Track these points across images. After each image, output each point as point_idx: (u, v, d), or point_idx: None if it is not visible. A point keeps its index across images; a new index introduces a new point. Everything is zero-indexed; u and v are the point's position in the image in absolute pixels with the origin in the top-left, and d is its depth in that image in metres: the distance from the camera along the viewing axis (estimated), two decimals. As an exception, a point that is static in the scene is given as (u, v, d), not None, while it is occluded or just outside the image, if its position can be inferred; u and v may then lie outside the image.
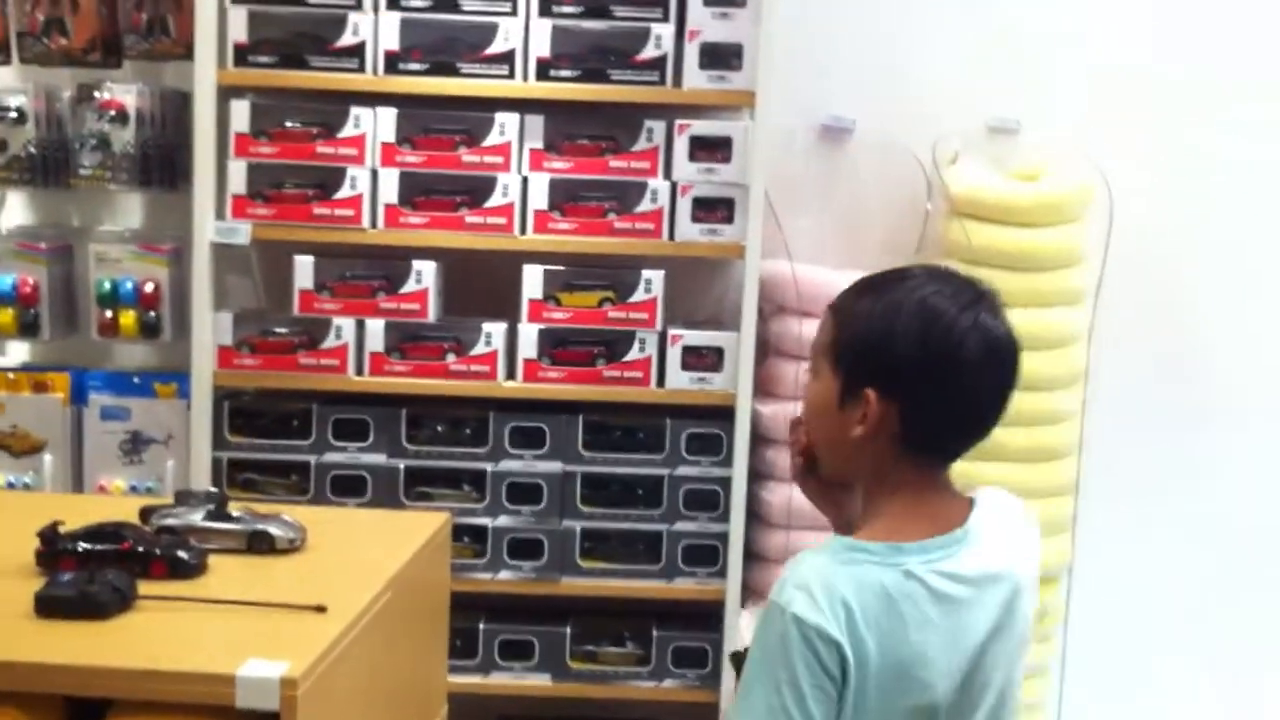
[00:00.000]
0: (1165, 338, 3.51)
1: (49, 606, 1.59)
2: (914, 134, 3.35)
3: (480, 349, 3.09)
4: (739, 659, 1.62)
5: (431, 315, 3.10)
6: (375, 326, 3.08)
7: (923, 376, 1.54)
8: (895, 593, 1.50)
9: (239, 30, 3.01)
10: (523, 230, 3.06)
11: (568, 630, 3.19)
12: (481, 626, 3.17)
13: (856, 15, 3.38)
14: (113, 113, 3.10)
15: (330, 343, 3.08)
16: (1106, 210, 3.36)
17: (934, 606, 1.52)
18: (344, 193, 3.04)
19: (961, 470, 3.26)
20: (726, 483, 3.10)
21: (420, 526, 2.13)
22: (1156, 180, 3.43)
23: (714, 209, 3.06)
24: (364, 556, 1.95)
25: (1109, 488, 3.46)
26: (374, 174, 3.05)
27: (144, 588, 1.66)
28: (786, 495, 3.17)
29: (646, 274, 3.08)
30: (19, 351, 3.39)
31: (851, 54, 3.38)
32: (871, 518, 1.60)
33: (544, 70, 3.01)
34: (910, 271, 1.61)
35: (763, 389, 3.22)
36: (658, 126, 3.06)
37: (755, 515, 3.21)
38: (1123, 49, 3.40)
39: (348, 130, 3.04)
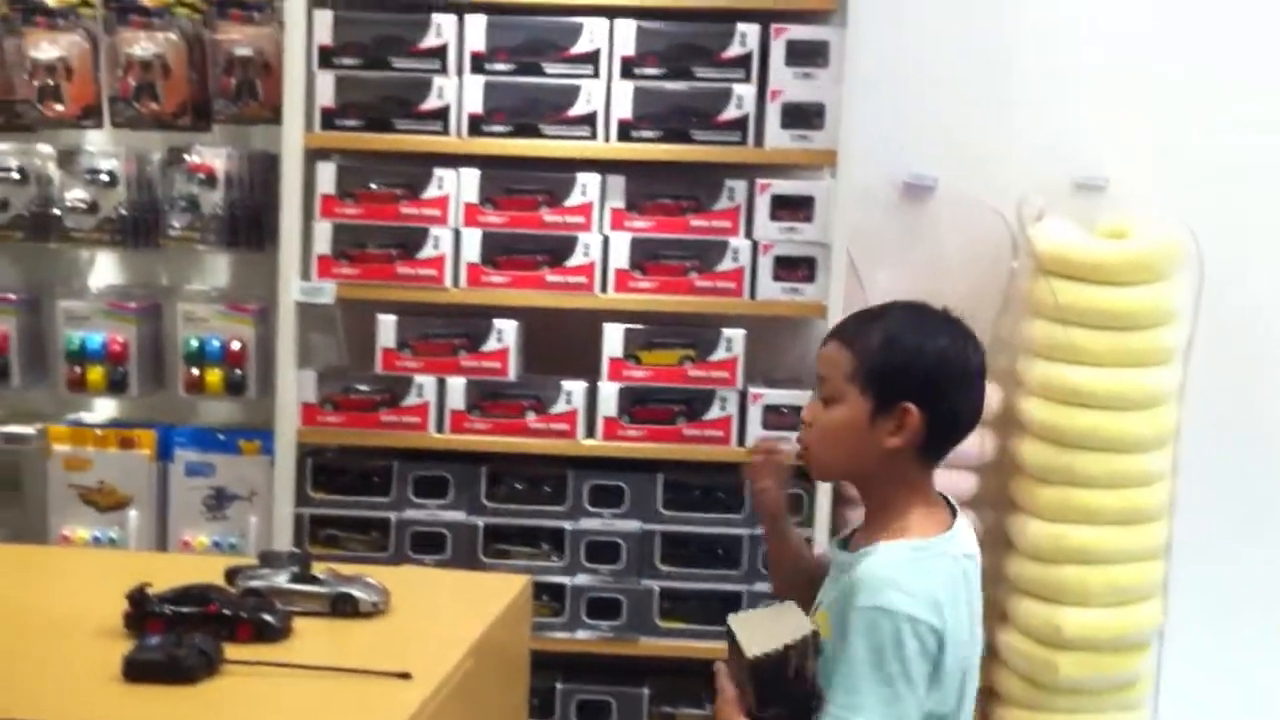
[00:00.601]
0: (1258, 397, 3.42)
1: (137, 670, 1.59)
2: (998, 191, 3.33)
3: (560, 407, 3.09)
4: (763, 664, 1.68)
5: (512, 373, 3.11)
6: (456, 384, 3.09)
7: (950, 388, 1.79)
8: (954, 577, 1.77)
9: (326, 95, 3.06)
10: (603, 289, 3.07)
11: (646, 691, 3.15)
12: (559, 686, 3.14)
13: (939, 72, 3.35)
14: (202, 175, 3.16)
15: (411, 400, 3.09)
16: (1197, 267, 3.30)
17: (966, 583, 1.79)
18: (426, 252, 3.06)
19: (1053, 534, 3.20)
20: (808, 542, 3.05)
21: (502, 590, 2.12)
22: (1248, 236, 3.37)
23: (795, 268, 3.05)
24: (447, 621, 1.94)
25: (1201, 551, 3.37)
26: (456, 234, 3.08)
27: (230, 651, 1.66)
28: (869, 557, 3.12)
29: (727, 333, 3.07)
30: (107, 408, 3.45)
31: (934, 111, 3.35)
32: (899, 517, 1.79)
33: (626, 131, 3.03)
34: (898, 303, 1.88)
35: (844, 449, 3.17)
36: (739, 186, 3.06)
37: (836, 576, 3.15)
38: (1213, 105, 3.34)
39: (431, 191, 3.07)
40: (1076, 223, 3.29)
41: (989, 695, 3.40)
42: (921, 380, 1.77)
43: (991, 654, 3.38)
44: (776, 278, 3.05)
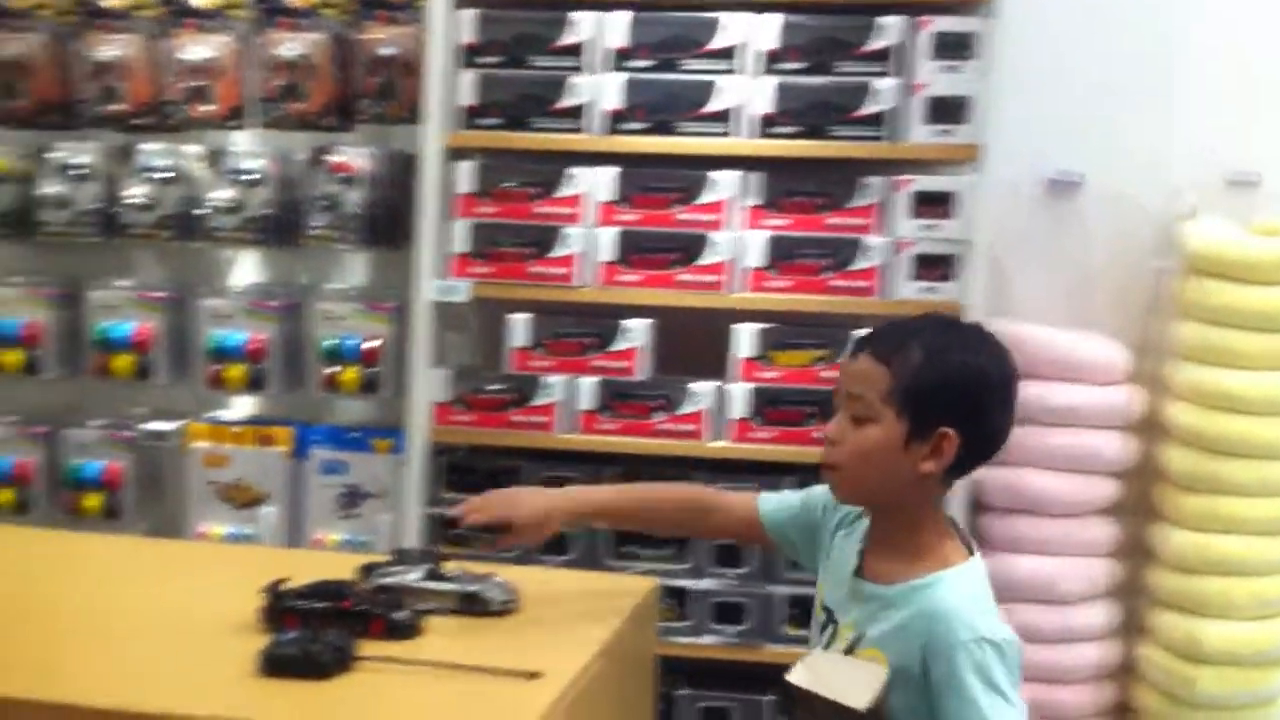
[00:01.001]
0: None
1: (274, 665, 1.60)
2: (1147, 188, 3.24)
3: (689, 408, 3.06)
4: (875, 712, 1.62)
5: (641, 373, 3.09)
6: (586, 384, 3.08)
7: (989, 411, 1.73)
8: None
9: (467, 93, 3.08)
10: (736, 288, 3.03)
11: (770, 700, 3.09)
12: (682, 692, 3.11)
13: (1087, 65, 3.28)
14: (343, 175, 3.20)
15: (541, 400, 3.09)
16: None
17: None
18: (559, 251, 3.06)
19: (1198, 544, 3.08)
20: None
21: (630, 591, 2.10)
22: None
23: (934, 266, 2.98)
24: (575, 621, 1.93)
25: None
26: (589, 233, 3.07)
27: (363, 648, 1.67)
28: (1003, 565, 3.05)
29: (860, 333, 3.01)
30: (244, 405, 3.51)
31: (1081, 105, 3.27)
32: (937, 544, 1.75)
33: (766, 126, 2.99)
34: (933, 317, 1.84)
35: (982, 453, 3.09)
36: (876, 183, 3.00)
37: (973, 585, 3.08)
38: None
39: (565, 190, 3.07)
40: (1229, 220, 3.17)
41: (1124, 710, 3.29)
42: (961, 403, 1.71)
43: (1128, 668, 3.27)
44: (916, 276, 2.98)
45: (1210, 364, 3.09)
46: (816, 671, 1.71)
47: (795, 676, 1.69)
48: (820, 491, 1.95)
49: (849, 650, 1.76)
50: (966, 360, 1.72)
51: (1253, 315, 3.05)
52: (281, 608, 1.76)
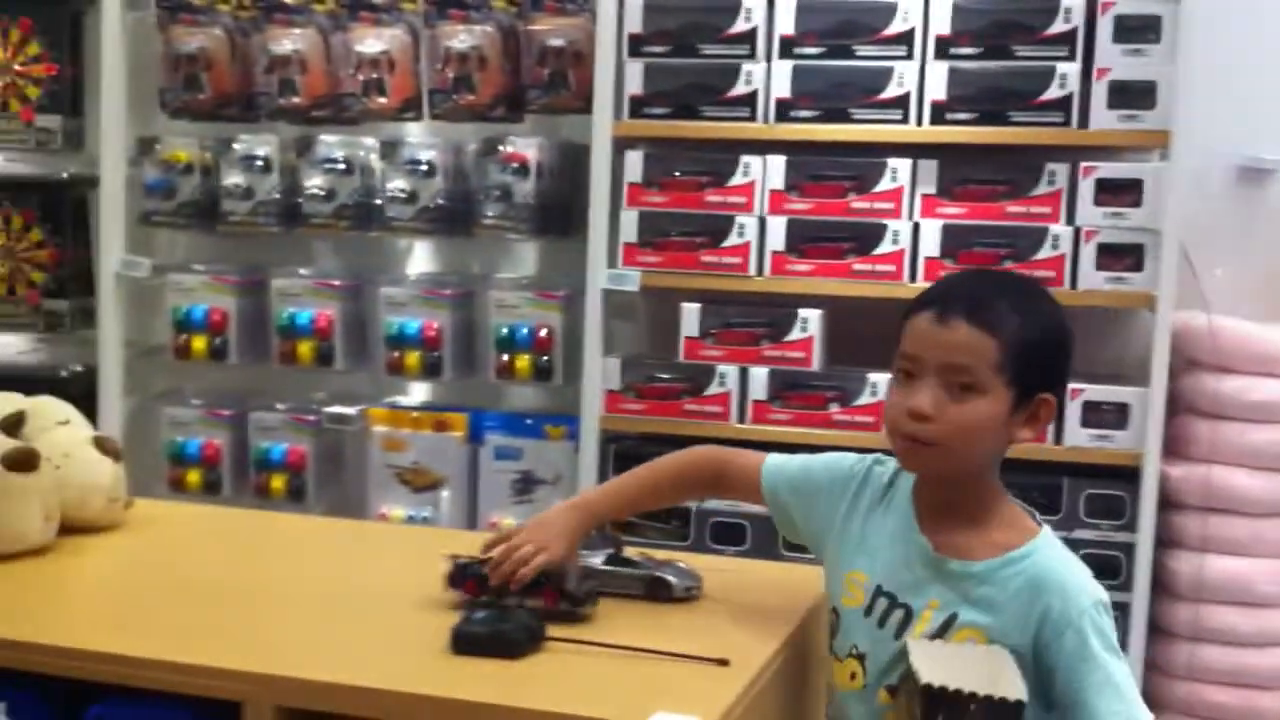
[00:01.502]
0: None
1: (464, 643, 1.62)
2: (1347, 175, 3.08)
3: (865, 399, 3.02)
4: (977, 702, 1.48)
5: (815, 364, 3.06)
6: (758, 374, 3.07)
7: (1069, 371, 1.70)
8: None
9: (635, 83, 3.08)
10: (913, 278, 2.98)
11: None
12: (857, 685, 3.07)
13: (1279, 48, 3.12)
14: (515, 165, 3.23)
15: (714, 389, 3.08)
16: None
17: None
18: (731, 240, 3.05)
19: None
20: (1129, 549, 2.90)
21: (812, 582, 2.07)
22: None
23: (1121, 256, 2.89)
24: (758, 611, 1.91)
25: None
26: (761, 222, 3.05)
27: (552, 630, 1.67)
28: (1196, 565, 2.93)
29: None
30: (420, 391, 3.57)
31: (1274, 88, 3.12)
32: (1005, 508, 1.70)
33: (939, 113, 2.94)
34: (989, 274, 1.89)
35: (1171, 449, 2.99)
36: (1060, 169, 2.92)
37: (1160, 586, 2.98)
38: None
39: (736, 179, 3.05)
40: None
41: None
42: (1059, 365, 1.67)
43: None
44: (1100, 266, 2.90)
45: None
46: (941, 666, 1.55)
47: (933, 677, 1.52)
48: (823, 465, 1.87)
49: (939, 635, 1.67)
50: (1058, 320, 1.68)
51: None
52: (466, 575, 1.77)
